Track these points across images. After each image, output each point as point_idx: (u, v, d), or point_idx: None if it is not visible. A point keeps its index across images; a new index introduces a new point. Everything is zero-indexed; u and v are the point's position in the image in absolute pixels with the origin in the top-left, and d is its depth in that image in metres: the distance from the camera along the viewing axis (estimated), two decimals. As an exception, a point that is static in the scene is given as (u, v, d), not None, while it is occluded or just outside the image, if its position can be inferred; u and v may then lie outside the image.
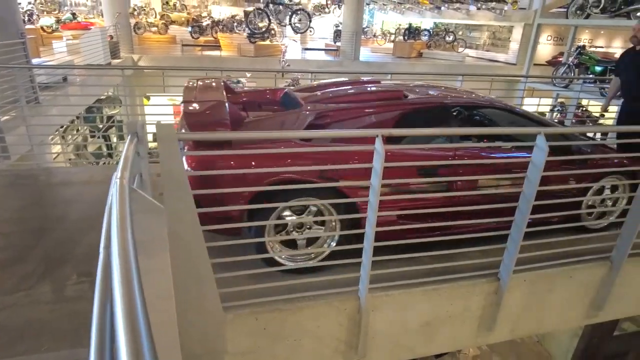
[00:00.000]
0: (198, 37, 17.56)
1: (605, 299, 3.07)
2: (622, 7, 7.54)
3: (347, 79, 3.84)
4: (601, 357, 8.06)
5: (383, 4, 26.43)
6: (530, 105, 9.84)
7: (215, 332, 2.10)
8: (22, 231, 3.12)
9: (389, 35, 22.45)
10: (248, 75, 8.77)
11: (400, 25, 23.16)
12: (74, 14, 17.92)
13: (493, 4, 19.36)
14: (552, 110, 8.16)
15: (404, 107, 2.90)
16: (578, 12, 8.42)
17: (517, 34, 18.30)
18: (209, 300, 1.99)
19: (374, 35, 22.70)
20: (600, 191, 3.28)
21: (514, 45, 17.90)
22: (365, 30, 22.34)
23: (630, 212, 2.83)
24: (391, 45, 19.98)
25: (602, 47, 16.56)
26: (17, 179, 4.12)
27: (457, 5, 20.67)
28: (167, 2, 24.16)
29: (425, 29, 20.83)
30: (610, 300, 3.09)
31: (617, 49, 15.71)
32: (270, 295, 2.25)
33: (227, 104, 2.67)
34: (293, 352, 2.38)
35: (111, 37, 12.22)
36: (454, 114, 3.04)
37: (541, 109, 10.00)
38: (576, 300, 3.11)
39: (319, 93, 3.21)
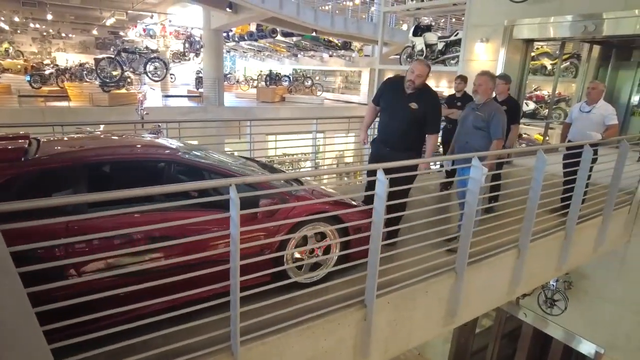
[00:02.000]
0: (40, 87, 15.74)
1: (457, 304, 3.48)
2: (439, 56, 9.20)
3: None
4: (468, 354, 9.07)
5: (243, 52, 27.38)
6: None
7: None
8: None
9: (251, 81, 23.19)
10: (101, 127, 8.10)
11: (261, 71, 24.15)
12: None
13: (342, 52, 21.61)
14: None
15: (7, 171, 2.28)
16: (408, 59, 9.94)
17: (365, 77, 20.63)
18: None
19: (237, 81, 23.19)
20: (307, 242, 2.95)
21: (364, 88, 20.06)
22: (228, 76, 22.72)
23: (463, 227, 3.31)
24: (255, 90, 20.63)
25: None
26: None
27: (312, 53, 22.53)
28: (-5, 48, 21.27)
29: (285, 75, 22.09)
30: (461, 305, 3.52)
31: (443, 88, 18.81)
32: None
33: None
34: None
35: None
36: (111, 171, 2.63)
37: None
38: (435, 311, 3.47)
39: None
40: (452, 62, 9.04)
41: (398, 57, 11.94)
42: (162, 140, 3.23)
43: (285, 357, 2.55)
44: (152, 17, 19.91)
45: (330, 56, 22.14)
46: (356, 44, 22.16)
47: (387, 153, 3.77)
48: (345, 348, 2.86)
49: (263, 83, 21.22)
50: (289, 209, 2.80)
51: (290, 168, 14.49)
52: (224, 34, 18.96)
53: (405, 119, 3.73)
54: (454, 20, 15.45)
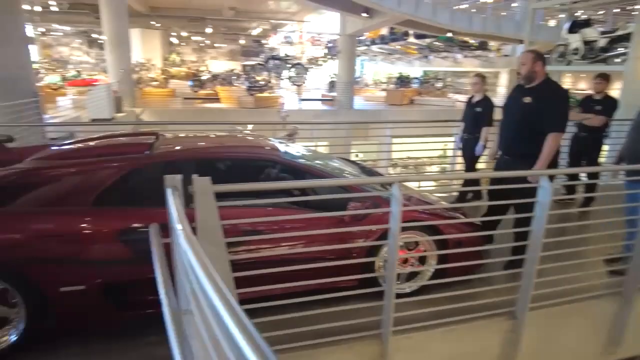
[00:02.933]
0: (198, 91, 18.18)
1: (621, 334, 3.10)
2: (600, 54, 8.07)
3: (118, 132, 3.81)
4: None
5: (373, 55, 27.77)
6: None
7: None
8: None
9: (380, 84, 23.40)
10: (249, 127, 9.11)
11: (390, 74, 24.20)
12: (78, 72, 18.63)
13: (479, 52, 20.45)
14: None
15: (134, 162, 2.61)
16: (559, 59, 8.94)
17: (503, 78, 19.21)
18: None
19: (366, 85, 23.63)
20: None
21: (502, 90, 18.68)
22: (358, 80, 23.29)
23: (636, 247, 2.92)
24: (382, 93, 20.79)
25: (584, 90, 17.35)
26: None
27: (445, 54, 21.78)
28: (167, 58, 25.22)
29: (415, 77, 21.77)
30: (627, 336, 3.11)
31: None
32: (294, 341, 2.29)
33: None
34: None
35: (115, 92, 12.68)
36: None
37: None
38: (591, 336, 3.13)
39: (61, 148, 3.03)
40: (616, 60, 7.87)
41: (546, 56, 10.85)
42: (264, 142, 3.40)
43: (427, 353, 2.60)
44: (292, 25, 21.49)
45: (465, 57, 21.14)
46: (493, 44, 20.77)
47: (504, 163, 3.42)
48: (488, 357, 2.78)
49: (392, 86, 21.27)
50: (380, 214, 2.69)
51: (414, 172, 14.24)
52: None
53: (517, 115, 3.29)
54: (618, 10, 13.43)
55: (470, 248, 2.78)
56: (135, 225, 2.41)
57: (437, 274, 2.86)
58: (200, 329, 0.98)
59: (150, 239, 1.71)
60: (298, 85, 15.87)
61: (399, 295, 2.69)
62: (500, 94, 18.92)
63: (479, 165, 5.19)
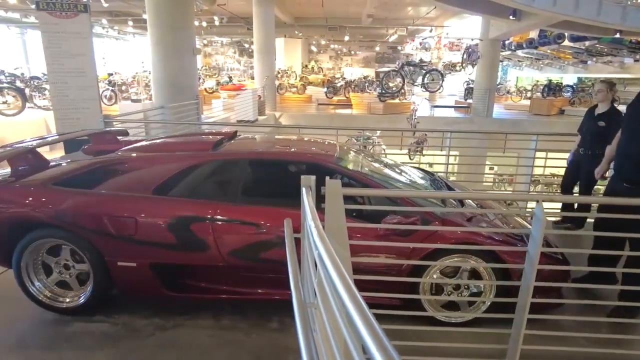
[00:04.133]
0: (332, 97, 18.96)
1: None
2: None
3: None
4: None
5: (518, 61, 25.50)
6: None
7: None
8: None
9: (524, 91, 21.35)
10: (378, 133, 9.21)
11: (537, 81, 21.93)
12: (230, 78, 21.07)
13: (656, 56, 17.19)
14: None
15: (194, 159, 2.85)
16: None
17: (689, 88, 15.73)
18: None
19: (508, 92, 21.77)
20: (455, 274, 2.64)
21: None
22: (498, 86, 21.64)
23: None
24: (526, 102, 18.95)
25: None
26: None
27: (608, 58, 18.86)
28: (306, 66, 26.90)
29: (567, 85, 19.30)
30: None
31: None
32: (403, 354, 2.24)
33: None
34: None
35: (260, 96, 14.00)
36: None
37: None
38: None
39: (145, 143, 3.39)
40: None
41: None
42: (329, 147, 3.34)
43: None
44: (431, 30, 20.96)
45: (637, 61, 17.98)
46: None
47: (624, 190, 2.86)
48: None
49: (538, 94, 19.21)
50: (427, 232, 2.59)
51: (547, 190, 12.74)
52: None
53: None
54: None
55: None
56: (184, 214, 2.65)
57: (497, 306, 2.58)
58: (326, 323, 1.03)
59: (285, 233, 1.85)
60: (432, 92, 15.38)
61: (444, 324, 2.61)
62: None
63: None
